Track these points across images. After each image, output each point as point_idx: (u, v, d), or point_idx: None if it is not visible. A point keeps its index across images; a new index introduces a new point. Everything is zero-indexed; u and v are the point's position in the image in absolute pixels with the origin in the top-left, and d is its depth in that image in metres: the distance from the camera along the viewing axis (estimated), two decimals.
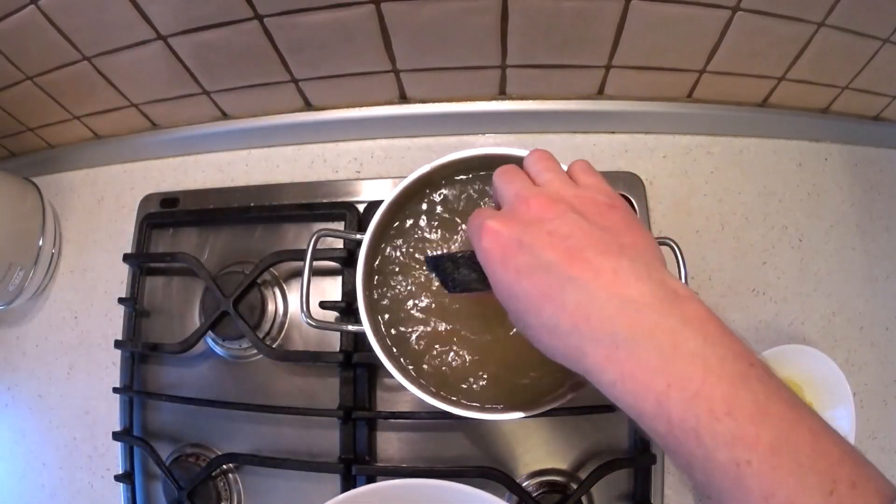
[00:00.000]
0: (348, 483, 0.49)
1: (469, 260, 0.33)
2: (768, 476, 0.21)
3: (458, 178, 0.42)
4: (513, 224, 0.28)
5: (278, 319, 0.54)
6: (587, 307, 0.25)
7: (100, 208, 0.62)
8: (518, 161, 0.41)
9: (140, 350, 0.55)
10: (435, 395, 0.39)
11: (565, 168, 0.33)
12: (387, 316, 0.41)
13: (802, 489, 0.20)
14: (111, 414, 0.56)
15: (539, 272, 0.27)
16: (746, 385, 0.22)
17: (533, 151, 0.33)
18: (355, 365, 0.50)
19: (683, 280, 0.41)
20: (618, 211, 0.29)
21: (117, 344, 0.55)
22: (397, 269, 0.42)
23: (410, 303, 0.41)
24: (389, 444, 0.51)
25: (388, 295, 0.42)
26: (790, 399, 0.22)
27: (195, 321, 0.56)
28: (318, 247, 0.44)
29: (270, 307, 0.54)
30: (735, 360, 0.23)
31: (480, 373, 0.40)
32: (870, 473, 0.21)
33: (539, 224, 0.28)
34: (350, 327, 0.44)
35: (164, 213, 0.58)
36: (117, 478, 0.53)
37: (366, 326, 0.40)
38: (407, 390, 0.38)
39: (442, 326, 0.40)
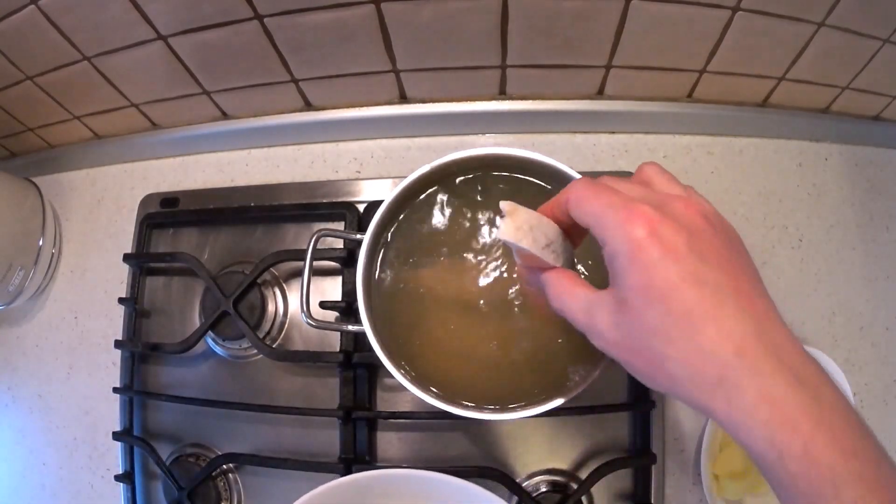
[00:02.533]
0: None
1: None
2: None
3: (458, 178, 0.42)
4: (676, 226, 0.25)
5: (278, 319, 0.54)
6: (753, 339, 0.24)
7: (100, 208, 0.62)
8: (518, 160, 0.41)
9: (140, 350, 0.55)
10: (435, 395, 0.39)
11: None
12: (387, 315, 0.41)
13: None
14: (111, 414, 0.56)
15: (706, 287, 0.24)
16: (864, 435, 0.24)
17: (652, 165, 0.31)
18: (355, 365, 0.50)
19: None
20: (744, 246, 0.28)
21: (117, 344, 0.55)
22: (398, 269, 0.42)
23: (411, 302, 0.41)
24: (389, 444, 0.51)
25: (389, 294, 0.42)
26: (889, 457, 0.24)
27: (195, 321, 0.56)
28: (318, 247, 0.44)
29: (270, 307, 0.54)
30: (855, 414, 0.24)
31: (480, 373, 0.40)
32: None
33: (702, 235, 0.26)
34: (350, 327, 0.44)
35: (164, 213, 0.58)
36: (117, 478, 0.53)
37: (366, 326, 0.39)
38: (407, 390, 0.38)
39: (442, 326, 0.40)
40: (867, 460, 0.23)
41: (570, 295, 0.29)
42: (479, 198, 0.42)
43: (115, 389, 0.55)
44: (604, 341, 0.28)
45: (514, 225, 0.29)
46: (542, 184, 0.42)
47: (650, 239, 0.25)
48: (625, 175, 0.53)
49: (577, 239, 0.32)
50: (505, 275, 0.40)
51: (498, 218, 0.30)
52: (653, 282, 0.25)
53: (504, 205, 0.30)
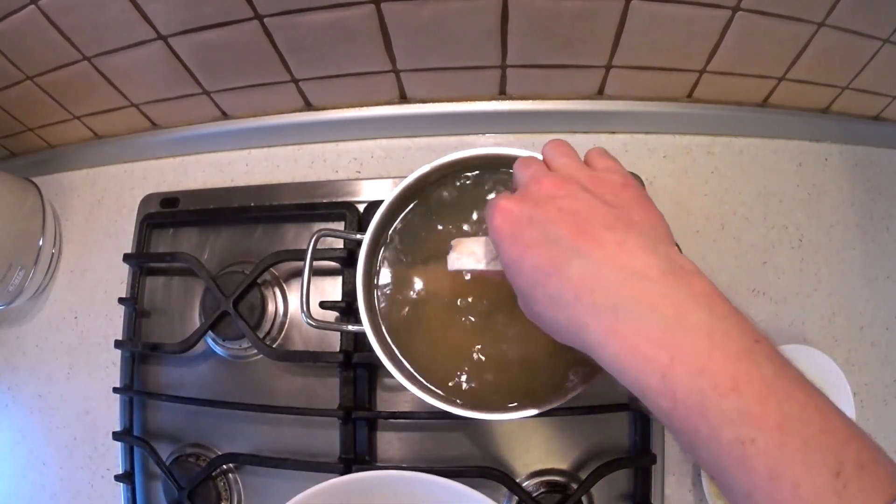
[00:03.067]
0: None
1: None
2: (774, 455, 0.20)
3: (458, 177, 0.42)
4: (524, 202, 0.29)
5: (278, 319, 0.54)
6: (591, 278, 0.25)
7: (100, 208, 0.62)
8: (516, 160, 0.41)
9: (140, 350, 0.55)
10: (435, 395, 0.39)
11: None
12: (387, 315, 0.41)
13: (808, 469, 0.20)
14: (111, 414, 0.56)
15: (546, 245, 0.27)
16: (752, 361, 0.22)
17: (550, 141, 0.34)
18: (355, 365, 0.50)
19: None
20: (630, 189, 0.30)
21: (117, 344, 0.55)
22: (398, 269, 0.42)
23: (411, 302, 0.41)
24: (389, 444, 0.51)
25: (389, 295, 0.42)
26: (797, 377, 0.22)
27: (195, 321, 0.56)
28: (318, 247, 0.44)
29: (270, 307, 0.54)
30: (741, 335, 0.23)
31: (481, 373, 0.40)
32: (878, 456, 0.21)
33: (550, 201, 0.28)
34: (350, 327, 0.44)
35: (164, 213, 0.58)
36: (117, 478, 0.53)
37: (366, 326, 0.40)
38: (407, 390, 0.38)
39: (442, 326, 0.40)
40: (751, 395, 0.21)
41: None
42: (479, 198, 0.42)
43: (115, 389, 0.55)
44: (525, 313, 0.31)
45: (455, 255, 0.35)
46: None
47: (503, 222, 0.29)
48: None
49: None
50: None
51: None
52: (510, 256, 0.29)
53: (453, 242, 0.35)
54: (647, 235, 0.27)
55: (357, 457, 0.50)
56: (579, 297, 0.25)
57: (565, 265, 0.26)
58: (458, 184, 0.42)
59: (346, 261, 0.52)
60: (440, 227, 0.42)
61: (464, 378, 0.40)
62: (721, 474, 0.22)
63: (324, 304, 0.51)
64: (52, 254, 0.61)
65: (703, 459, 0.22)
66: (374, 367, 0.51)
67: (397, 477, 0.43)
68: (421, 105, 0.56)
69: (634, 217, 0.28)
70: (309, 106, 0.57)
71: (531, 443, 0.50)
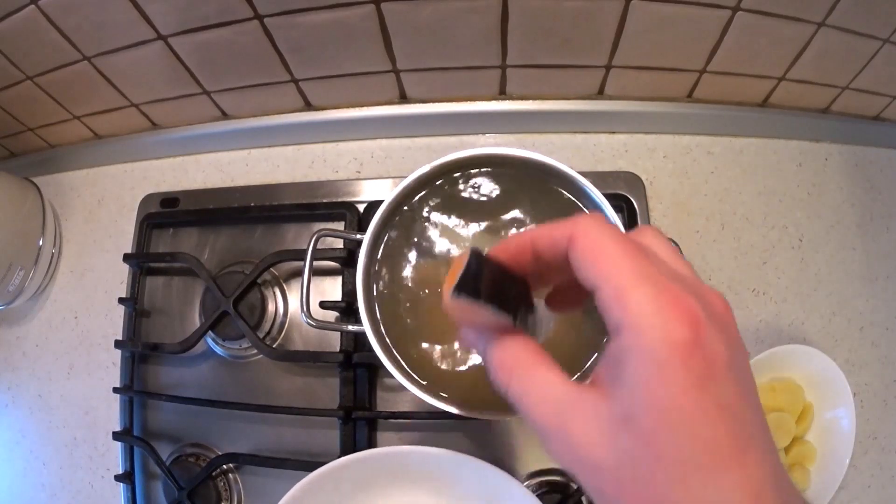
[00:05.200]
0: None
1: (521, 285, 0.23)
2: None
3: (458, 177, 0.42)
4: (716, 330, 0.19)
5: (278, 319, 0.54)
6: (771, 489, 0.19)
7: (100, 208, 0.62)
8: (518, 160, 0.41)
9: (140, 350, 0.55)
10: (435, 395, 0.39)
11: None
12: (387, 316, 0.41)
13: None
14: (111, 414, 0.56)
15: (738, 424, 0.19)
16: None
17: (653, 231, 0.23)
18: (355, 365, 0.50)
19: None
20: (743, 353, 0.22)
21: (117, 344, 0.55)
22: (398, 269, 0.42)
23: (411, 303, 0.41)
24: (389, 443, 0.51)
25: (389, 295, 0.42)
26: None
27: (195, 321, 0.56)
28: (318, 247, 0.44)
29: (270, 307, 0.54)
30: None
31: (481, 372, 0.39)
32: None
33: (738, 351, 0.20)
34: (350, 327, 0.44)
35: (164, 213, 0.58)
36: (117, 478, 0.53)
37: (366, 326, 0.39)
38: (407, 390, 0.38)
39: (442, 326, 0.40)
40: None
41: (532, 380, 0.22)
42: (479, 198, 0.42)
43: (115, 389, 0.55)
44: (579, 459, 0.20)
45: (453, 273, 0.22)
46: (543, 182, 0.41)
47: (694, 348, 0.18)
48: (624, 174, 0.54)
49: (559, 300, 0.25)
50: None
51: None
52: (683, 404, 0.18)
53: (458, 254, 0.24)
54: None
55: None
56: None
57: (750, 459, 0.18)
58: (459, 184, 0.42)
59: (346, 261, 0.52)
60: (441, 227, 0.42)
61: (465, 377, 0.40)
62: None
63: (324, 304, 0.51)
64: (52, 254, 0.61)
65: None
66: (374, 367, 0.51)
67: (407, 452, 0.43)
68: (421, 105, 0.56)
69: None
70: (309, 106, 0.57)
71: (531, 443, 0.50)
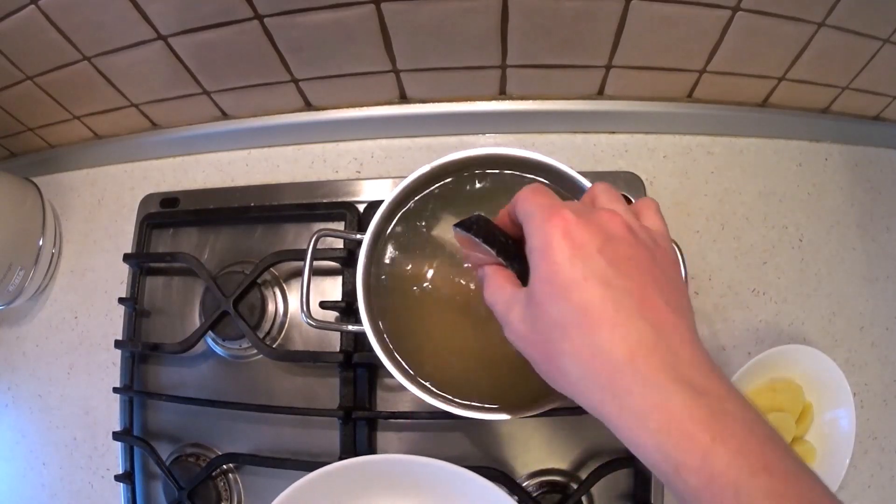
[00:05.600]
0: None
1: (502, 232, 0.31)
2: None
3: (458, 178, 0.42)
4: (592, 227, 0.26)
5: (278, 319, 0.54)
6: (650, 348, 0.24)
7: (100, 208, 0.62)
8: (518, 160, 0.41)
9: (140, 350, 0.55)
10: (435, 395, 0.39)
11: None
12: (387, 316, 0.41)
13: None
14: (111, 414, 0.56)
15: (610, 290, 0.25)
16: (774, 447, 0.23)
17: (600, 183, 0.32)
18: (355, 365, 0.50)
19: (684, 280, 0.41)
20: (677, 267, 0.29)
21: (117, 344, 0.55)
22: (398, 269, 0.42)
23: (411, 302, 0.41)
24: (389, 444, 0.51)
25: (389, 294, 0.41)
26: (812, 473, 0.23)
27: (195, 321, 0.56)
28: (318, 247, 0.44)
29: (270, 307, 0.54)
30: (764, 425, 0.24)
31: (481, 373, 0.40)
32: None
33: (620, 244, 0.26)
34: (350, 327, 0.44)
35: (164, 213, 0.58)
36: (117, 478, 0.53)
37: (366, 326, 0.40)
38: (407, 390, 0.38)
39: (443, 326, 0.40)
40: (779, 476, 0.22)
41: (499, 288, 0.30)
42: (479, 197, 0.42)
43: (115, 389, 0.55)
44: (513, 333, 0.29)
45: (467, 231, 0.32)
46: (543, 182, 0.41)
47: (563, 238, 0.26)
48: (624, 174, 0.54)
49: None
50: None
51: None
52: (557, 277, 0.26)
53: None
54: (692, 326, 0.26)
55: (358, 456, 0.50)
56: (633, 362, 0.24)
57: (628, 322, 0.24)
58: (459, 184, 0.42)
59: (346, 261, 0.52)
60: (441, 227, 0.42)
61: (464, 378, 0.40)
62: None
63: (324, 304, 0.51)
64: (52, 254, 0.61)
65: None
66: (374, 367, 0.51)
67: (400, 461, 0.43)
68: (421, 105, 0.56)
69: (683, 302, 0.27)
70: (309, 106, 0.57)
71: (531, 443, 0.50)
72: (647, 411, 0.24)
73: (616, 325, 0.24)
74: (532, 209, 0.28)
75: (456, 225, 0.32)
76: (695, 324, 0.27)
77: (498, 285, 0.30)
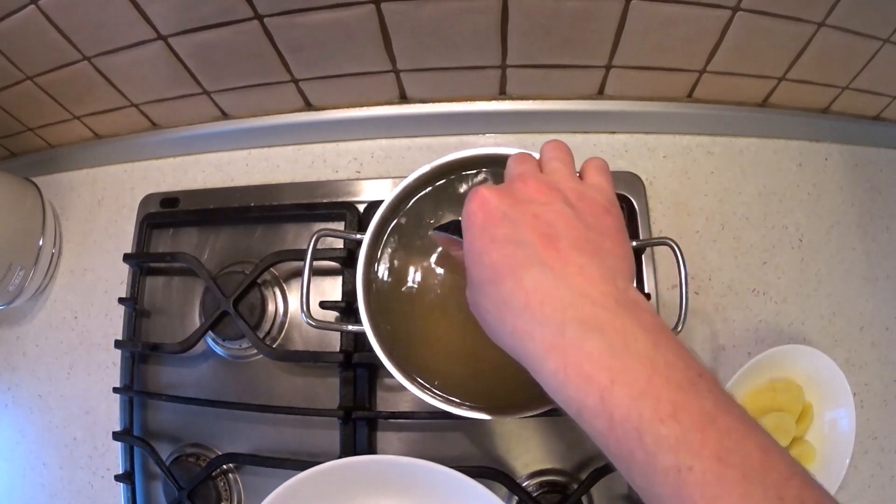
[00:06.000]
0: None
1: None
2: (712, 485, 0.20)
3: (457, 177, 0.42)
4: (504, 197, 0.29)
5: (278, 319, 0.54)
6: (545, 292, 0.25)
7: (100, 208, 0.62)
8: None
9: (140, 350, 0.55)
10: (435, 395, 0.39)
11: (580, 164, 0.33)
12: (387, 316, 0.41)
13: (747, 501, 0.19)
14: (111, 414, 0.56)
15: (511, 245, 0.27)
16: (694, 392, 0.22)
17: (551, 140, 0.34)
18: (355, 365, 0.50)
19: (684, 280, 0.41)
20: (611, 216, 0.30)
21: (117, 344, 0.55)
22: (398, 269, 0.42)
23: (411, 302, 0.41)
24: (389, 444, 0.51)
25: (389, 294, 0.41)
26: (740, 412, 0.22)
27: (195, 321, 0.56)
28: (318, 247, 0.44)
29: (270, 307, 0.54)
30: (685, 368, 0.23)
31: (480, 372, 0.39)
32: (819, 496, 0.20)
33: (529, 204, 0.28)
34: (350, 327, 0.44)
35: (164, 213, 0.58)
36: (117, 478, 0.53)
37: (366, 326, 0.40)
38: (407, 390, 0.38)
39: (442, 326, 0.40)
40: (693, 424, 0.20)
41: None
42: None
43: (115, 389, 0.55)
44: (468, 305, 0.31)
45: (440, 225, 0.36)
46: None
47: (478, 210, 0.29)
48: (624, 174, 0.54)
49: None
50: None
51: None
52: (473, 245, 0.28)
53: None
54: (610, 266, 0.27)
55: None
56: (529, 306, 0.25)
57: (524, 271, 0.26)
58: (458, 184, 0.42)
59: (346, 261, 0.52)
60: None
61: (464, 378, 0.40)
62: (655, 501, 0.21)
63: (324, 304, 0.51)
64: (52, 254, 0.61)
65: (638, 485, 0.22)
66: (374, 367, 0.51)
67: (398, 463, 0.43)
68: (421, 105, 0.56)
69: (605, 244, 0.28)
70: (309, 106, 0.57)
71: (531, 443, 0.50)
72: (544, 352, 0.24)
73: (515, 275, 0.26)
74: (470, 191, 0.31)
75: (435, 229, 0.35)
76: (624, 265, 0.28)
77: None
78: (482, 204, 0.29)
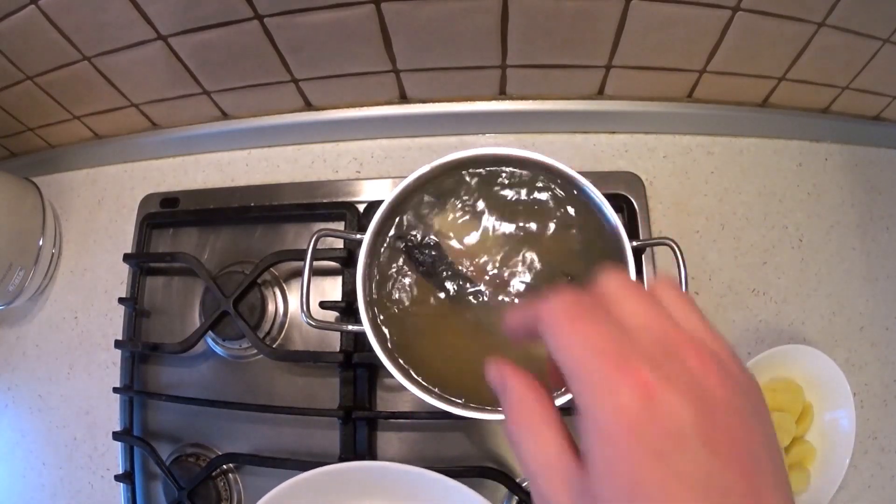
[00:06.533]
0: None
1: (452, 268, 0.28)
2: None
3: (457, 177, 0.42)
4: (681, 387, 0.17)
5: (278, 319, 0.54)
6: None
7: (100, 208, 0.62)
8: (518, 160, 0.41)
9: (140, 350, 0.55)
10: (435, 395, 0.39)
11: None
12: (387, 316, 0.41)
13: None
14: (111, 414, 0.56)
15: (707, 491, 0.16)
16: None
17: (614, 275, 0.21)
18: (355, 365, 0.50)
19: (684, 280, 0.41)
20: (766, 408, 0.20)
21: (117, 344, 0.55)
22: (397, 269, 0.42)
23: (410, 303, 0.41)
24: (389, 444, 0.51)
25: (388, 295, 0.41)
26: None
27: (195, 321, 0.56)
28: (318, 247, 0.44)
29: (270, 307, 0.54)
30: None
31: (480, 373, 0.39)
32: None
33: (716, 407, 0.17)
34: (350, 327, 0.44)
35: (164, 213, 0.58)
36: (117, 478, 0.53)
37: (366, 326, 0.40)
38: (407, 390, 0.38)
39: (442, 327, 0.40)
40: None
41: (531, 437, 0.21)
42: (479, 197, 0.42)
43: (115, 389, 0.55)
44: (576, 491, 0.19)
45: None
46: (543, 182, 0.42)
47: (644, 418, 0.17)
48: (624, 174, 0.54)
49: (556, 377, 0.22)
50: (506, 275, 0.40)
51: None
52: (638, 479, 0.16)
53: None
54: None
55: (357, 457, 0.49)
56: None
57: None
58: (458, 184, 0.42)
59: (346, 261, 0.52)
60: (441, 227, 0.42)
61: (463, 378, 0.40)
62: None
63: (324, 304, 0.51)
64: (52, 254, 0.61)
65: None
66: (374, 367, 0.51)
67: (397, 469, 0.43)
68: (421, 105, 0.56)
69: (785, 471, 0.19)
70: (309, 106, 0.57)
71: None
72: None
73: None
74: (581, 355, 0.19)
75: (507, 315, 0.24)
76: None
77: (532, 439, 0.21)
78: (648, 408, 0.17)
